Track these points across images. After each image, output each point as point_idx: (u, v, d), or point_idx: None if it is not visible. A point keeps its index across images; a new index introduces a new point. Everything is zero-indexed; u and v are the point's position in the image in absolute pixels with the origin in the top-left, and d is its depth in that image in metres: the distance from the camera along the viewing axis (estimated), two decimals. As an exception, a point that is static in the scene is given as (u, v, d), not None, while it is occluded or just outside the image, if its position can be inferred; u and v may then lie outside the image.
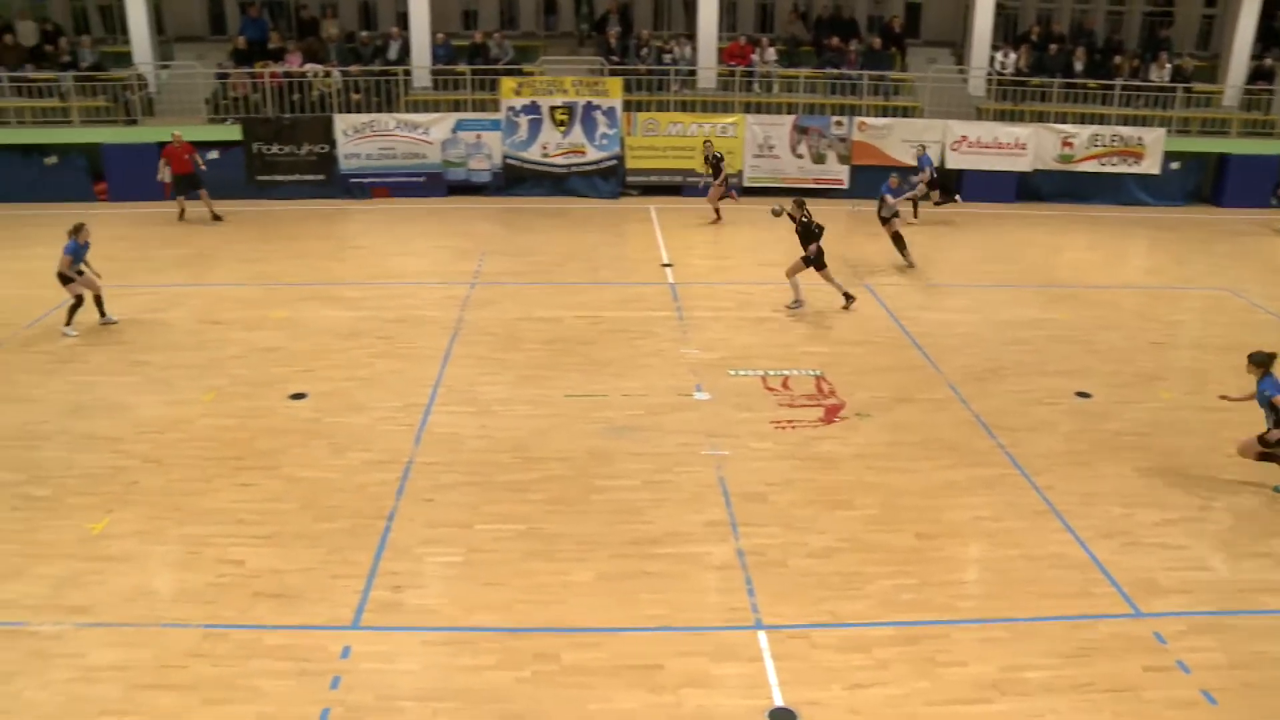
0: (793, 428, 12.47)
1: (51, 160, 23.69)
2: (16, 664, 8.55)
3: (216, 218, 22.16)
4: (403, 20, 25.85)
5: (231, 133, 23.72)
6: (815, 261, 16.05)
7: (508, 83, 23.73)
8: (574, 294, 17.12)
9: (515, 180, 23.95)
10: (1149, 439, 12.43)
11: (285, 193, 23.77)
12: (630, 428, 12.43)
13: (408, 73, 24.67)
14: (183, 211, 22.12)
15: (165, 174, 21.90)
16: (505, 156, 23.92)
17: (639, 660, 8.42)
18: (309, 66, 24.34)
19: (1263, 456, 11.15)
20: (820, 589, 9.33)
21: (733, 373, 14.04)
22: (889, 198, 18.80)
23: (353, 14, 28.05)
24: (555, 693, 8.07)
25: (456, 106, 24.25)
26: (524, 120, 23.73)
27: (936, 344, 15.24)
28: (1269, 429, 10.99)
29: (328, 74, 24.17)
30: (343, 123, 23.63)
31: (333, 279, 18.10)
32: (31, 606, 9.28)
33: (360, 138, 23.68)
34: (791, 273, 16.39)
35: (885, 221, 19.00)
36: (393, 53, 25.04)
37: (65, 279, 15.72)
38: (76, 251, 15.69)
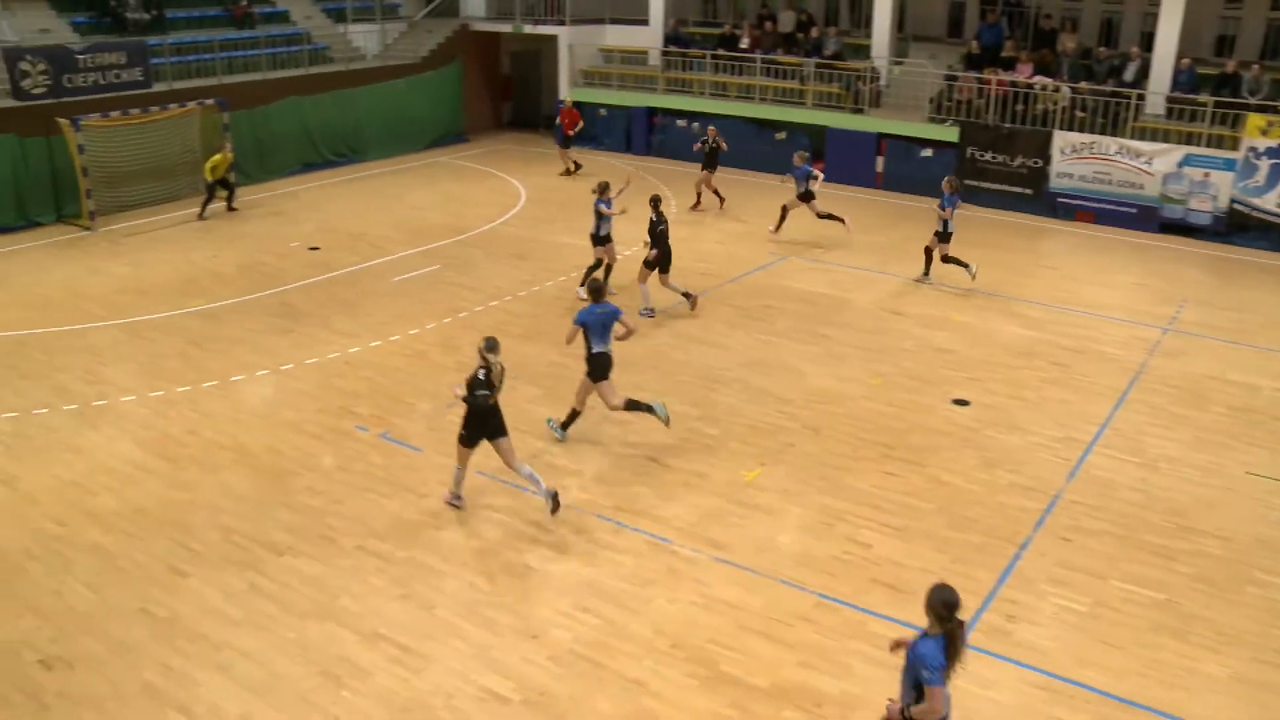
0: None
1: (781, 136, 26.07)
2: (655, 574, 9.59)
3: (575, 167, 25.92)
4: (1147, 40, 24.42)
5: (949, 134, 24.09)
6: (656, 264, 15.96)
7: (1255, 120, 21.56)
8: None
9: (1239, 227, 21.74)
10: None
11: (990, 201, 23.65)
12: (1315, 525, 10.87)
13: (1141, 97, 23.30)
14: (569, 167, 26.00)
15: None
16: (1233, 200, 21.80)
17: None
18: (1038, 79, 23.91)
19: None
20: None
21: None
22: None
23: (1093, 29, 27.05)
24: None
25: (1188, 139, 22.49)
26: (1265, 164, 21.44)
27: None
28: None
29: (1056, 88, 23.59)
30: (1062, 140, 22.98)
31: (1018, 294, 17.70)
32: (678, 529, 10.34)
33: (1077, 157, 22.89)
34: (642, 279, 16.10)
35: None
36: (1129, 73, 23.81)
37: (595, 239, 16.45)
38: (605, 207, 16.25)
